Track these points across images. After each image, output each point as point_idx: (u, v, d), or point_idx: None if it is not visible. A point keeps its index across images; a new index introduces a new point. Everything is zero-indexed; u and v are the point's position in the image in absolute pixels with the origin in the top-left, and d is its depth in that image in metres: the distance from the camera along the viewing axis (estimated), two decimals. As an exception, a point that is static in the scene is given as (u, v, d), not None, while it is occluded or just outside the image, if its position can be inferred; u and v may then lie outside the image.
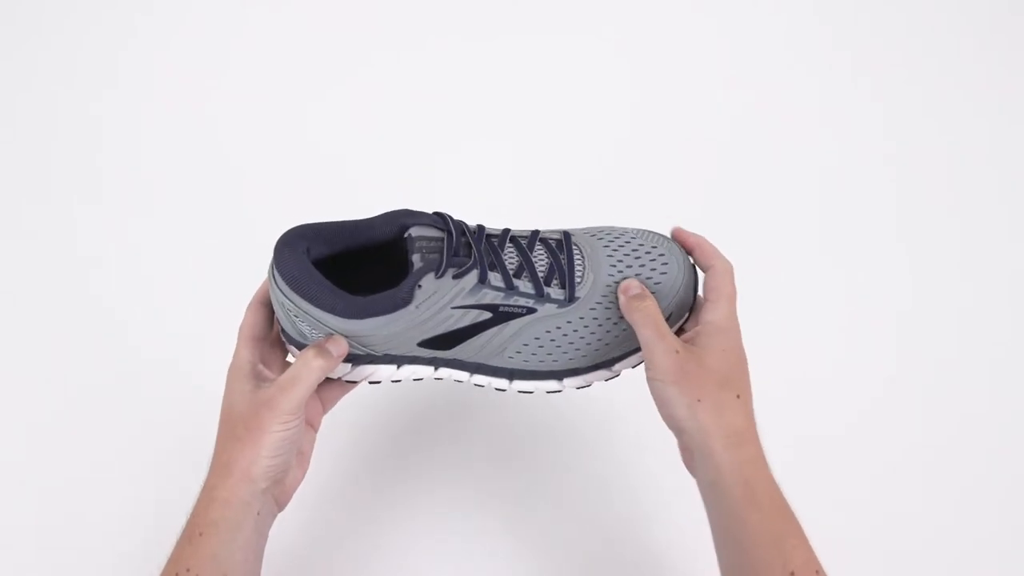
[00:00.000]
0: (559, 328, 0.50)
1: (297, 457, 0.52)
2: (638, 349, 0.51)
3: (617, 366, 0.52)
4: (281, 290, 0.47)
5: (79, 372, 0.77)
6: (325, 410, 0.56)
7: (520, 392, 0.53)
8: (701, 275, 0.53)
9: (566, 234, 0.52)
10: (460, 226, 0.49)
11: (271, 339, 0.54)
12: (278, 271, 0.47)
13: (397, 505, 0.68)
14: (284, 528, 0.54)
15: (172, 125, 0.96)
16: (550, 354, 0.51)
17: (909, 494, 0.70)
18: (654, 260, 0.51)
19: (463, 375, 0.53)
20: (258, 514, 0.49)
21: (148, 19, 1.04)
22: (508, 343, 0.50)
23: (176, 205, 0.89)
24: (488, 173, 0.90)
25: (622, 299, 0.50)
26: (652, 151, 0.93)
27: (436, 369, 0.52)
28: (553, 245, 0.51)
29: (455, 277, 0.47)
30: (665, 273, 0.51)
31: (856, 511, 0.68)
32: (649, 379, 0.49)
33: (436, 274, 0.47)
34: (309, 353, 0.48)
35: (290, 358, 0.53)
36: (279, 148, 0.93)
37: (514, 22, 1.04)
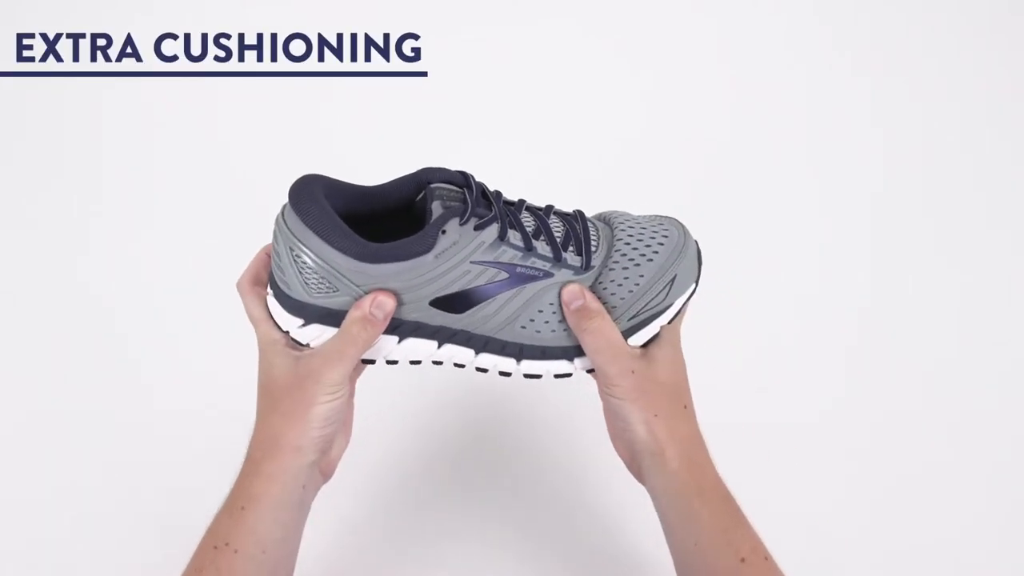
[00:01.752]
0: None
1: (341, 427, 0.51)
2: (648, 321, 0.50)
3: (629, 341, 0.50)
4: (292, 230, 0.44)
5: (79, 368, 0.77)
6: (358, 373, 0.53)
7: (527, 377, 0.50)
8: None
9: (578, 210, 0.51)
10: (481, 185, 0.48)
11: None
12: (293, 208, 0.44)
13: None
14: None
15: (173, 124, 0.96)
16: (561, 322, 0.48)
17: (896, 491, 0.69)
18: (655, 228, 0.51)
19: (467, 354, 0.49)
20: (303, 488, 0.48)
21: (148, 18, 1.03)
22: (522, 311, 0.48)
23: (180, 199, 0.90)
24: (490, 172, 0.88)
25: (567, 312, 0.48)
26: (654, 150, 0.94)
27: (439, 346, 0.49)
28: (567, 216, 0.50)
29: (476, 228, 0.46)
30: (667, 236, 0.51)
31: (837, 507, 0.67)
32: (604, 396, 0.51)
33: (460, 220, 0.45)
34: (353, 327, 0.45)
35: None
36: (282, 146, 0.93)
37: (516, 22, 1.05)
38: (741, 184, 0.94)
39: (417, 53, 1.00)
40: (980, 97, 1.00)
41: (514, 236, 0.47)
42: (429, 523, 0.66)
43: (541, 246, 0.48)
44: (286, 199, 0.46)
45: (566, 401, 0.72)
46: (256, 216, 0.70)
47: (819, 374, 0.77)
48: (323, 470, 0.50)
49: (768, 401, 0.74)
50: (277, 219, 0.46)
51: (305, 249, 0.44)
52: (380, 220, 0.48)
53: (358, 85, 1.00)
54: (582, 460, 0.70)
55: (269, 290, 0.48)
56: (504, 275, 0.47)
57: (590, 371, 0.51)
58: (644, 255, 0.50)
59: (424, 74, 0.99)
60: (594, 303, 0.48)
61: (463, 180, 0.47)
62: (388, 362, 0.50)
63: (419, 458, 0.70)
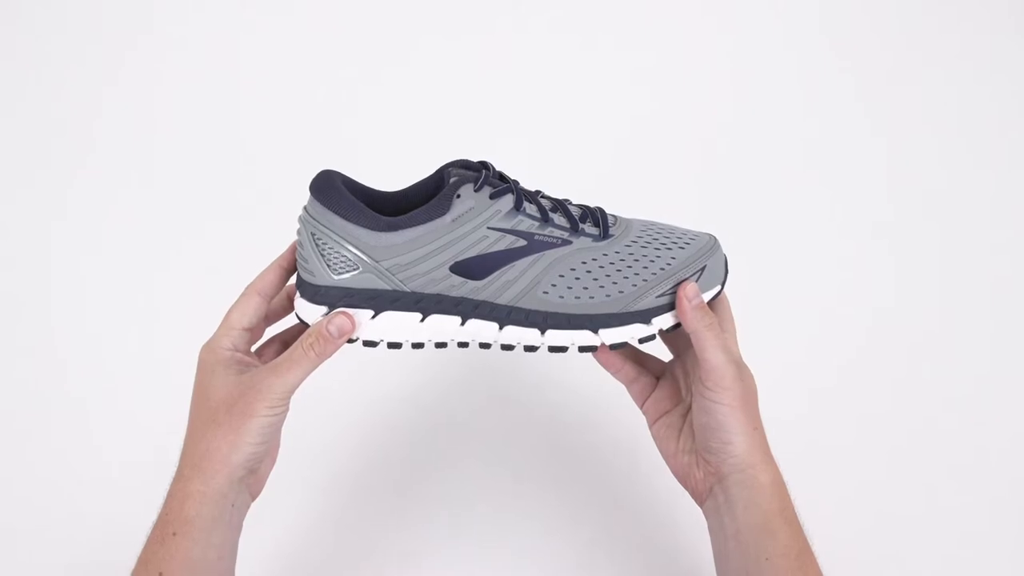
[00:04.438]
0: (595, 260, 0.49)
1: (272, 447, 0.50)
2: (675, 306, 0.50)
3: (655, 320, 0.50)
4: (312, 215, 0.47)
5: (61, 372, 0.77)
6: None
7: (552, 349, 0.49)
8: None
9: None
10: (499, 172, 0.50)
11: (259, 329, 0.52)
12: (313, 195, 0.47)
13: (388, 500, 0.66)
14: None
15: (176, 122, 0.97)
16: (586, 288, 0.48)
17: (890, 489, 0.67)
18: (687, 229, 0.53)
19: (492, 328, 0.49)
20: (233, 506, 0.46)
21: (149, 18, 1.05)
22: (542, 276, 0.48)
23: (169, 201, 0.91)
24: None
25: (684, 304, 0.49)
26: (657, 151, 0.94)
27: (463, 322, 0.49)
28: (584, 205, 0.52)
29: (492, 197, 0.47)
30: (698, 236, 0.52)
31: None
32: (711, 403, 0.49)
33: (474, 186, 0.47)
34: (309, 339, 0.47)
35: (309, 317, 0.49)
36: (284, 147, 0.94)
37: (521, 22, 1.06)
38: (750, 185, 0.94)
39: (421, 52, 1.02)
40: (979, 98, 1.00)
41: (530, 208, 0.49)
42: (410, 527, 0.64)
43: (557, 218, 0.49)
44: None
45: (560, 401, 0.72)
46: (254, 213, 0.76)
47: (818, 374, 0.76)
48: (251, 489, 0.49)
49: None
50: (300, 215, 0.49)
51: (325, 229, 0.47)
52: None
53: (364, 86, 1.02)
54: (582, 459, 0.69)
55: (297, 294, 0.50)
56: (522, 242, 0.48)
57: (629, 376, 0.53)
58: (676, 243, 0.51)
59: (424, 75, 1.01)
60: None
61: (481, 166, 0.50)
62: (414, 345, 0.50)
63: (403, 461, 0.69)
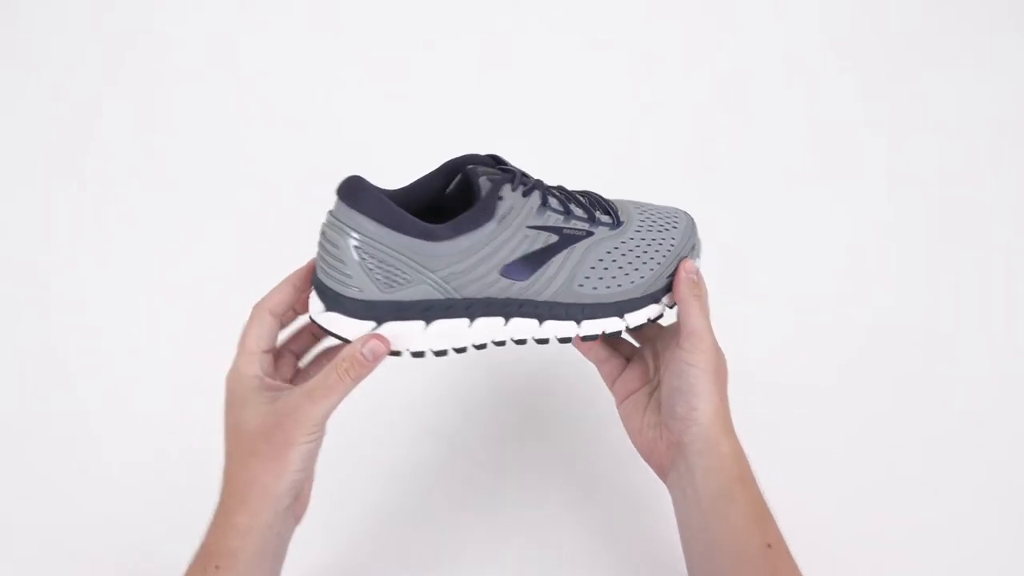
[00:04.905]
0: (616, 248, 0.51)
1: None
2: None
3: (664, 299, 0.53)
4: (356, 228, 0.43)
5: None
6: None
7: (585, 339, 0.51)
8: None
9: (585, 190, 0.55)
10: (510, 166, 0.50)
11: (276, 350, 0.49)
12: (352, 206, 0.43)
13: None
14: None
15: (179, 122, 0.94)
16: (614, 277, 0.50)
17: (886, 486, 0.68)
18: (663, 206, 0.56)
19: (532, 325, 0.49)
20: (278, 535, 0.47)
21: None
22: (577, 269, 0.49)
23: (169, 201, 0.89)
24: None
25: (682, 275, 0.53)
26: (654, 150, 0.94)
27: (507, 322, 0.48)
28: (578, 191, 0.53)
29: (524, 195, 0.47)
30: (677, 216, 0.56)
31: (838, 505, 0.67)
32: (687, 364, 0.51)
33: (512, 186, 0.46)
34: (346, 361, 0.44)
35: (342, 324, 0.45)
36: (284, 147, 0.92)
37: (526, 23, 1.04)
38: (748, 185, 0.93)
39: (424, 52, 1.01)
40: (979, 100, 0.99)
41: (553, 202, 0.49)
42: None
43: (575, 209, 0.50)
44: (332, 206, 0.44)
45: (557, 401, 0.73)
46: (255, 225, 0.74)
47: (818, 374, 0.76)
48: (295, 513, 0.49)
49: (767, 395, 0.73)
50: (332, 224, 0.44)
51: (374, 243, 0.43)
52: None
53: (368, 88, 0.99)
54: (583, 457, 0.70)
55: (322, 311, 0.45)
56: (555, 238, 0.48)
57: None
58: (669, 223, 0.54)
59: (424, 75, 0.99)
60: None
61: (494, 161, 0.49)
62: (456, 351, 0.48)
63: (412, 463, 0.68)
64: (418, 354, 0.47)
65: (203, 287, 0.81)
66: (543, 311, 0.49)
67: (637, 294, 0.52)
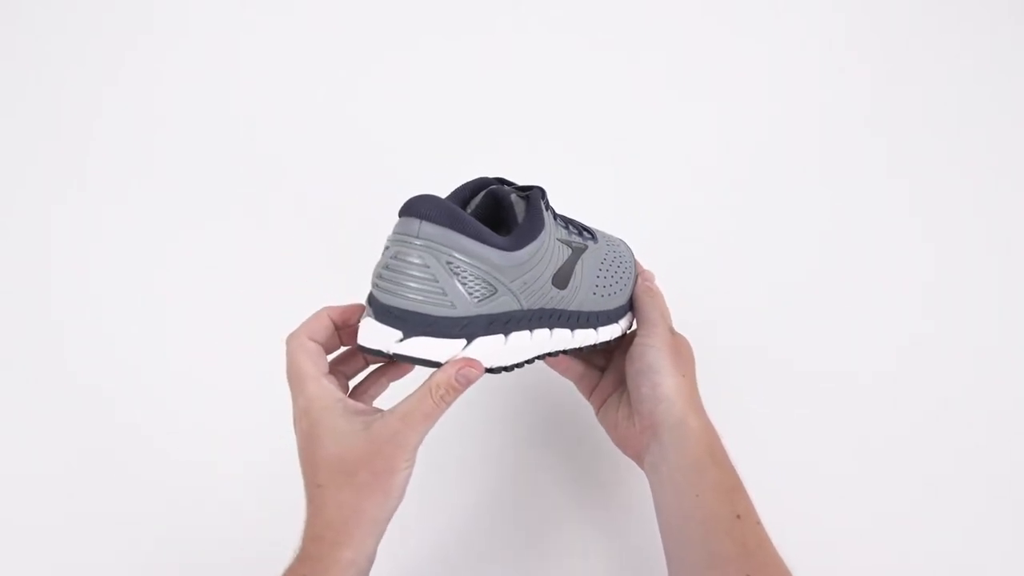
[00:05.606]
0: (604, 259, 0.55)
1: None
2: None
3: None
4: (442, 242, 0.41)
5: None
6: None
7: (600, 346, 0.54)
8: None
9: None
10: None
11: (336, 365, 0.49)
12: (433, 221, 0.41)
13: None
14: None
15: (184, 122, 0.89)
16: (609, 285, 0.54)
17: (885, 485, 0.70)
18: (605, 232, 0.61)
19: (567, 335, 0.51)
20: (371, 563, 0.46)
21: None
22: (587, 277, 0.52)
23: (169, 201, 0.85)
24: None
25: (641, 282, 0.58)
26: (652, 152, 0.89)
27: (551, 332, 0.49)
28: None
29: (546, 209, 0.48)
30: (617, 238, 0.61)
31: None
32: (644, 346, 0.55)
33: (544, 201, 0.47)
34: (442, 386, 0.44)
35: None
36: (283, 146, 0.88)
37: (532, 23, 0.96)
38: (747, 186, 0.88)
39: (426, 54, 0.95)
40: (982, 102, 0.95)
41: (559, 220, 0.51)
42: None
43: (569, 225, 0.53)
44: (397, 222, 0.42)
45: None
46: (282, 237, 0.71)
47: (818, 374, 0.75)
48: None
49: (766, 396, 0.74)
50: (409, 243, 0.41)
51: (461, 256, 0.41)
52: None
53: (373, 91, 0.94)
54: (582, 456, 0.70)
55: (400, 340, 0.42)
56: (569, 250, 0.51)
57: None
58: (617, 241, 0.59)
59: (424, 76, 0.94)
60: None
61: (498, 182, 0.50)
62: (508, 368, 0.47)
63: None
64: (493, 371, 0.45)
65: (202, 287, 0.79)
66: (573, 320, 0.51)
67: (624, 300, 0.56)
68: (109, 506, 0.67)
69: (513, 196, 0.48)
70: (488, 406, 0.72)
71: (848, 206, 0.86)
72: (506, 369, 0.47)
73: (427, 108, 0.95)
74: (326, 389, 0.44)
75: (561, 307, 0.50)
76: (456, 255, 0.41)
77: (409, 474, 0.44)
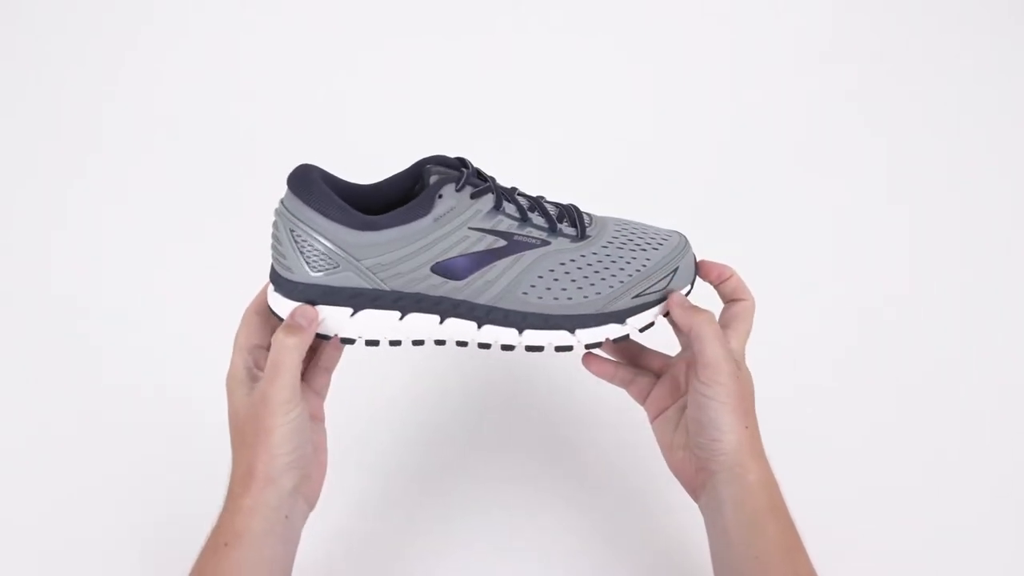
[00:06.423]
0: (573, 261, 0.49)
1: (314, 451, 0.51)
2: (651, 305, 0.51)
3: (629, 321, 0.51)
4: (291, 211, 0.46)
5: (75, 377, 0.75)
6: (322, 397, 0.54)
7: (529, 349, 0.50)
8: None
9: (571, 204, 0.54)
10: (477, 168, 0.50)
11: (266, 345, 0.52)
12: (292, 191, 0.46)
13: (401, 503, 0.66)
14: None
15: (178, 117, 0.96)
16: (564, 289, 0.49)
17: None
18: (658, 229, 0.54)
19: (470, 328, 0.50)
20: (287, 518, 0.48)
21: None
22: (522, 277, 0.49)
23: (169, 201, 0.89)
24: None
25: (676, 311, 0.50)
26: (649, 151, 0.93)
27: (442, 321, 0.49)
28: (559, 203, 0.52)
29: (472, 196, 0.47)
30: (669, 237, 0.53)
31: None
32: (702, 400, 0.49)
33: (456, 186, 0.47)
34: (279, 334, 0.47)
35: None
36: (282, 146, 0.92)
37: (510, 22, 1.04)
38: (745, 186, 0.91)
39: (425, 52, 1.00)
40: (981, 102, 0.97)
41: (509, 208, 0.49)
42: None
43: (536, 218, 0.50)
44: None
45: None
46: (255, 223, 0.69)
47: (818, 376, 0.75)
48: (307, 498, 0.50)
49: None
50: (277, 208, 0.48)
51: (305, 227, 0.46)
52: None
53: (371, 87, 1.00)
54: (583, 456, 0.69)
55: (271, 288, 0.49)
56: (502, 242, 0.48)
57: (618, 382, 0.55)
58: (651, 244, 0.52)
59: (423, 75, 0.99)
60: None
61: (459, 163, 0.50)
62: (392, 343, 0.50)
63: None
64: (348, 340, 0.49)
65: (201, 287, 0.82)
66: (480, 314, 0.49)
67: (590, 310, 0.50)
68: (109, 506, 0.66)
69: (433, 177, 0.47)
70: (501, 408, 0.73)
71: (848, 206, 0.90)
72: (371, 343, 0.49)
73: (427, 108, 0.95)
74: (239, 357, 0.49)
75: (459, 298, 0.48)
76: (301, 225, 0.46)
77: (291, 430, 0.46)
